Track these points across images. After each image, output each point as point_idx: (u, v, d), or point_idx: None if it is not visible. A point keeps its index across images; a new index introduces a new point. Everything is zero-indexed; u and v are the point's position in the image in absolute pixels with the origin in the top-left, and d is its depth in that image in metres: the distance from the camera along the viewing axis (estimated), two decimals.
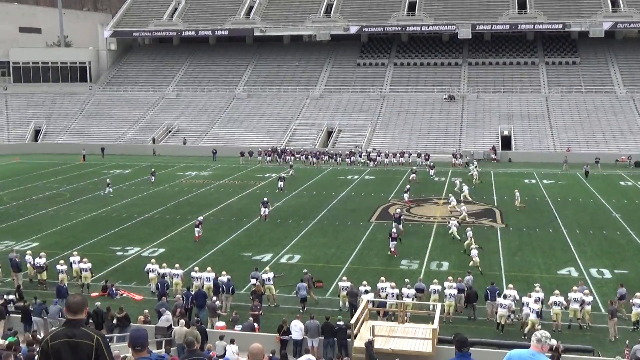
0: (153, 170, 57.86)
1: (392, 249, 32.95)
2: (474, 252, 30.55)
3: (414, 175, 55.37)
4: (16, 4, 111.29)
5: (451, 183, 54.84)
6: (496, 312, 23.84)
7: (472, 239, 33.25)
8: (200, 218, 37.82)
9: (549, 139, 72.15)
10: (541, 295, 23.99)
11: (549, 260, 32.09)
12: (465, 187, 48.78)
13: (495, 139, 73.41)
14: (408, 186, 49.50)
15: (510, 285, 25.31)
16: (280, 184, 51.18)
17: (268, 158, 68.83)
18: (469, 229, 35.19)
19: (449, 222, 37.63)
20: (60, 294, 25.22)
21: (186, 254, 33.54)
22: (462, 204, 43.54)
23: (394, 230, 34.04)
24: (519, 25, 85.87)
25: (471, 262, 30.09)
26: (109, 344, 5.69)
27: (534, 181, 55.90)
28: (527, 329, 22.68)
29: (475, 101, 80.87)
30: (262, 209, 41.12)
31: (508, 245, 35.12)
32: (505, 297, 23.96)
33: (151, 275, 27.93)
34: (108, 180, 52.04)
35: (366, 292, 24.90)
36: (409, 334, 21.03)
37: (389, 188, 52.18)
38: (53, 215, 43.11)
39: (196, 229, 36.34)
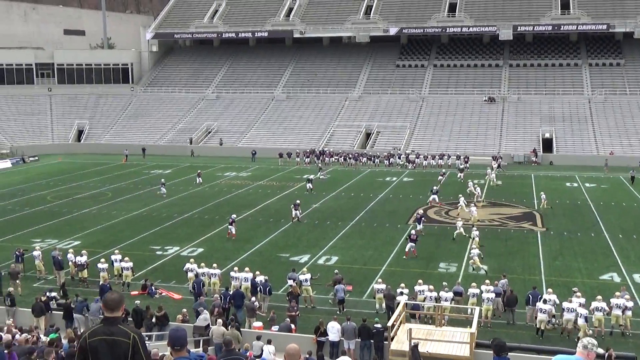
0: (199, 171, 58.25)
1: (411, 249, 32.84)
2: (475, 251, 30.74)
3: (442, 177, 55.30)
4: (61, 6, 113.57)
5: (490, 186, 54.37)
6: (536, 317, 23.47)
7: (477, 240, 33.48)
8: (234, 216, 38.53)
9: (591, 142, 70.96)
10: (582, 300, 23.58)
11: (590, 265, 31.57)
12: (477, 189, 48.53)
13: (536, 141, 72.42)
14: (436, 187, 49.41)
15: (550, 290, 24.93)
16: (309, 185, 51.45)
17: (306, 159, 69.04)
18: (474, 229, 35.07)
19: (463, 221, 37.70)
20: (103, 292, 25.48)
21: (224, 254, 33.78)
22: (473, 205, 43.36)
23: (413, 231, 34.26)
24: (562, 26, 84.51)
25: (471, 261, 30.40)
26: (147, 342, 5.73)
27: (575, 184, 55.10)
28: (580, 333, 22.14)
29: (516, 103, 79.86)
30: (294, 211, 41.24)
31: (549, 249, 34.67)
32: (545, 301, 23.60)
33: (190, 274, 28.10)
34: (162, 180, 52.71)
35: (401, 293, 24.70)
36: (447, 337, 20.82)
37: (427, 190, 51.54)
38: (95, 214, 43.79)
39: (230, 227, 36.95)
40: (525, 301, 24.50)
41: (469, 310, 23.30)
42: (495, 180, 54.85)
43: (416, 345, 19.29)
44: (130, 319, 22.49)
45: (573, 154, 69.07)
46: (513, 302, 24.60)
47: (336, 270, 27.94)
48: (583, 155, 68.52)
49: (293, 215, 41.19)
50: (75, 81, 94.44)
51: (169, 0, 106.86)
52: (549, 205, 44.33)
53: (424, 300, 24.59)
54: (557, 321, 23.65)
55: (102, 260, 29.58)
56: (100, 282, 27.81)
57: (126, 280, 28.84)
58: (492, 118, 77.78)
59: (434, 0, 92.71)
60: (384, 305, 24.93)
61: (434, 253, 34.07)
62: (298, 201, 42.95)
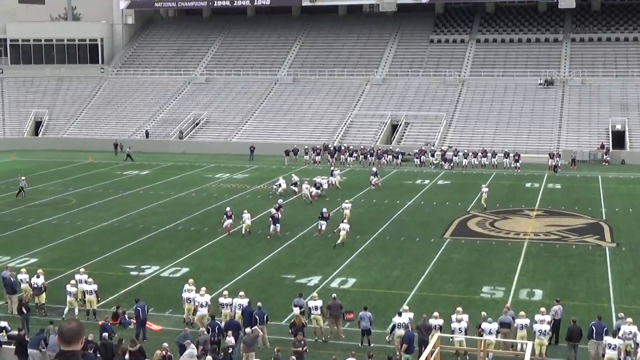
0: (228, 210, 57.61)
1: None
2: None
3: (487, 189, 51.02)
4: None
5: (547, 190, 54.37)
6: (603, 355, 23.29)
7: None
8: (228, 208, 41.58)
9: None
10: None
11: None
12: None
13: (604, 135, 72.12)
14: (486, 189, 49.21)
15: (630, 320, 24.57)
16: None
17: (317, 157, 68.88)
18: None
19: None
20: (105, 331, 24.75)
21: (215, 275, 33.79)
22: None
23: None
24: None
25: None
26: None
27: None
28: None
29: (580, 87, 79.57)
30: (321, 222, 41.24)
31: (619, 269, 34.41)
32: (615, 335, 23.43)
33: (187, 305, 27.69)
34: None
35: (436, 327, 24.58)
36: None
37: (468, 196, 51.65)
38: (56, 226, 43.87)
39: (228, 221, 40.33)
40: (588, 334, 24.27)
41: (519, 346, 23.03)
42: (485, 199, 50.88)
43: None
44: (99, 354, 22.42)
45: None
46: (576, 336, 24.40)
47: (333, 295, 27.75)
48: None
49: (320, 228, 41.07)
50: (32, 61, 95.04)
51: None
52: (484, 203, 46.67)
53: (463, 333, 24.41)
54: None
55: (72, 282, 29.33)
56: (66, 309, 27.64)
57: (91, 308, 28.68)
58: (550, 106, 77.54)
59: None
60: (403, 349, 24.24)
61: (475, 274, 33.92)
62: (325, 210, 42.11)
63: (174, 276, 33.55)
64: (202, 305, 27.16)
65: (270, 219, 41.11)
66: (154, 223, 44.27)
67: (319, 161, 68.42)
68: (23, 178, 52.78)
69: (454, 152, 67.53)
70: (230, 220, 40.88)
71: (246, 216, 41.26)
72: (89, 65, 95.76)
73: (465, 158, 66.55)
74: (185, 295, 27.81)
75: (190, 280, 28.90)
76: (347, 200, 45.80)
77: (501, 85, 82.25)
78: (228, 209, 42.06)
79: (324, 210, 42.33)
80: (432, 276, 33.62)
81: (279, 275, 33.86)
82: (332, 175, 56.38)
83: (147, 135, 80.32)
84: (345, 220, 40.96)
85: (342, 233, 38.69)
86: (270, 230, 40.60)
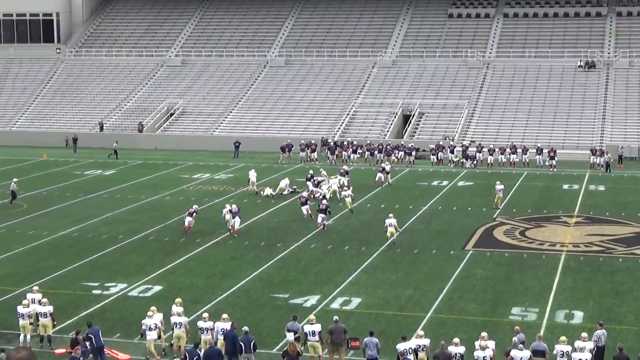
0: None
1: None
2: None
3: None
4: None
5: (588, 193, 54.29)
6: None
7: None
8: (195, 206, 44.30)
9: None
10: None
11: None
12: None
13: None
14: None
15: None
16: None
17: (313, 154, 68.67)
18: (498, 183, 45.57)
19: None
20: None
21: (193, 294, 33.45)
22: None
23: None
24: None
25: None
26: None
27: None
28: None
29: (627, 70, 79.70)
30: (320, 215, 43.45)
31: None
32: None
33: (176, 331, 27.42)
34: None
35: (457, 356, 24.49)
36: None
37: (493, 199, 50.72)
38: (4, 235, 43.64)
39: (188, 218, 42.51)
40: None
41: None
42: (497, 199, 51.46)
43: None
44: None
45: None
46: None
47: (335, 317, 27.48)
48: None
49: (320, 222, 43.43)
50: None
51: None
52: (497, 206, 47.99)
53: None
54: None
55: (24, 302, 28.93)
56: (21, 335, 27.63)
57: (45, 334, 28.39)
58: (591, 92, 77.64)
59: None
60: None
61: (503, 292, 33.77)
62: (326, 202, 44.57)
63: (144, 295, 33.24)
64: (176, 326, 27.12)
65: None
66: (121, 232, 43.95)
67: (315, 159, 68.17)
68: (15, 180, 52.43)
69: (478, 148, 67.05)
70: (190, 219, 42.91)
71: (251, 173, 53.87)
72: (43, 44, 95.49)
73: (491, 155, 66.34)
74: (174, 319, 27.53)
75: (178, 300, 28.71)
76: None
77: (533, 68, 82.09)
78: (195, 207, 44.50)
79: (324, 201, 43.20)
80: (452, 295, 33.39)
81: (269, 295, 33.55)
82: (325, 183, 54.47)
83: (101, 128, 79.97)
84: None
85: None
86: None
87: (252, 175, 54.71)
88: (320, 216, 43.40)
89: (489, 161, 65.81)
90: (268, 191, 53.06)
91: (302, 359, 25.59)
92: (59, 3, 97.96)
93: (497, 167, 65.14)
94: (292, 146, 69.58)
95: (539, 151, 65.77)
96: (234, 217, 42.44)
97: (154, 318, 27.06)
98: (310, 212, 45.47)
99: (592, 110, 75.51)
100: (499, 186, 49.39)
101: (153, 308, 27.67)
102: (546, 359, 24.88)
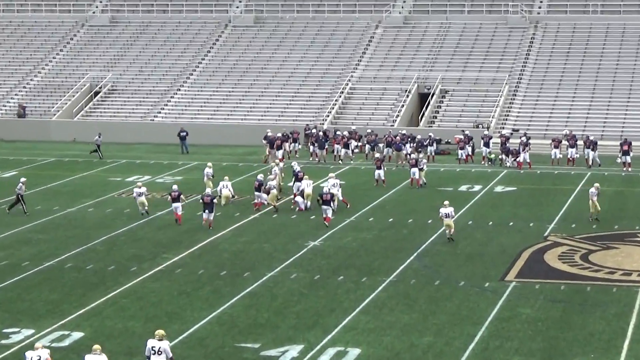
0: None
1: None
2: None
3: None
4: None
5: None
6: None
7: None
8: (175, 187, 44.41)
9: None
10: None
11: None
12: None
13: None
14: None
15: None
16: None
17: (296, 146, 63.32)
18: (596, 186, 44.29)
19: None
20: None
21: (127, 344, 29.30)
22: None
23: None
24: None
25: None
26: None
27: None
28: None
29: None
30: (324, 208, 43.06)
31: None
32: None
33: None
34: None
35: None
36: None
37: (547, 211, 47.66)
38: None
39: (174, 204, 42.85)
40: None
41: None
42: None
43: None
44: None
45: None
46: None
47: None
48: None
49: (325, 217, 42.55)
50: None
51: None
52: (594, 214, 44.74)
53: None
54: None
55: None
56: None
57: None
58: None
59: None
60: None
61: (558, 339, 29.53)
62: (328, 190, 44.02)
63: (60, 345, 28.51)
64: None
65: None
66: (25, 258, 39.60)
67: (294, 152, 63.33)
68: (23, 180, 48.93)
69: (523, 140, 61.00)
70: (178, 204, 43.36)
71: (224, 184, 46.99)
72: None
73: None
74: None
75: (96, 347, 24.82)
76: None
77: (600, 28, 76.69)
78: (175, 187, 44.78)
79: (324, 190, 43.52)
80: (488, 344, 29.13)
81: (232, 344, 29.50)
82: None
83: (21, 113, 73.83)
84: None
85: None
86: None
87: (223, 184, 49.13)
88: (324, 208, 42.58)
89: (527, 160, 58.90)
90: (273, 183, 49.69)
91: None
92: None
93: (549, 165, 60.59)
94: (289, 137, 63.45)
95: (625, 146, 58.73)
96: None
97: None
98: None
99: None
100: (593, 188, 45.49)
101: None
102: None
